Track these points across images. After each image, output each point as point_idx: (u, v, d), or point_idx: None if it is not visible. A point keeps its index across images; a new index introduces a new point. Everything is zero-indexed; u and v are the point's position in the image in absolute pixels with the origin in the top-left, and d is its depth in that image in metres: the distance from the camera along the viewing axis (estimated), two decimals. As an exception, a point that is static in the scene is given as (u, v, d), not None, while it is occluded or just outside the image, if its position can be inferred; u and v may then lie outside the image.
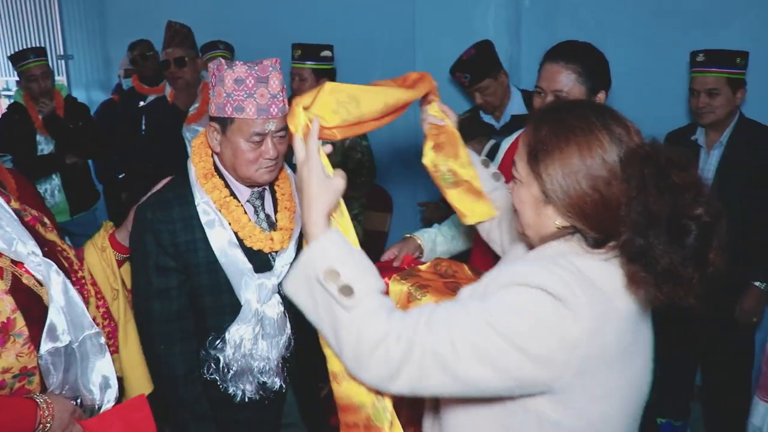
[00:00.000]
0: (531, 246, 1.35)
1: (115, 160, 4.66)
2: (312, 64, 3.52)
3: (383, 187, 4.36)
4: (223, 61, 1.71)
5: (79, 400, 1.63)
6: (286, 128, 1.75)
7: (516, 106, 3.29)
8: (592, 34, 3.41)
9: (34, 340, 1.51)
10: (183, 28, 3.52)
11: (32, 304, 1.54)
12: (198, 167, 1.83)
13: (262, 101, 1.68)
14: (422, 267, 1.93)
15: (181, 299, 1.79)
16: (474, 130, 3.16)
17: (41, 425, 1.51)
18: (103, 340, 1.67)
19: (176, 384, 1.80)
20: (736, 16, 3.31)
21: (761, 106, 3.18)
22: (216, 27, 4.83)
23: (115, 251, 1.91)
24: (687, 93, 3.11)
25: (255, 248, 1.81)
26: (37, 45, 6.32)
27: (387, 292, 1.63)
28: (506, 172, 2.32)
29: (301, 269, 1.21)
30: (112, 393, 1.68)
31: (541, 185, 1.23)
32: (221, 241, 1.78)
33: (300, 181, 1.26)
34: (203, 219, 1.78)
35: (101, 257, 1.88)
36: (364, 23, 4.40)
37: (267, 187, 1.92)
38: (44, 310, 1.55)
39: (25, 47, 4.40)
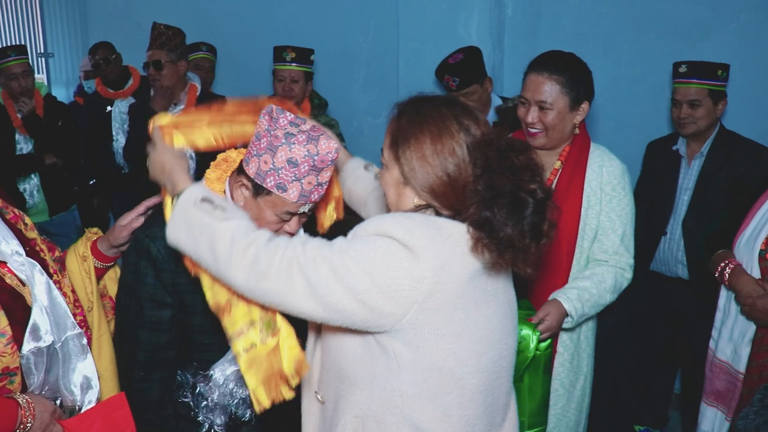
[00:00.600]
0: None
1: (82, 164, 4.60)
2: (305, 67, 3.54)
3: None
4: (276, 114, 1.57)
5: (59, 401, 1.62)
6: (315, 207, 1.72)
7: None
8: (573, 44, 3.45)
9: (17, 341, 1.49)
10: (167, 30, 3.49)
11: (15, 304, 1.53)
12: None
13: (307, 187, 1.58)
14: None
15: (171, 332, 1.76)
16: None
17: (21, 425, 1.49)
18: (85, 341, 1.65)
19: (148, 408, 1.78)
20: (716, 29, 3.36)
21: (740, 116, 3.22)
22: (199, 28, 4.80)
23: (96, 260, 1.87)
24: (668, 103, 3.14)
25: None
26: (17, 42, 6.24)
27: None
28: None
29: (179, 209, 1.42)
30: (94, 394, 1.66)
31: (401, 169, 1.41)
32: None
33: (158, 161, 1.53)
34: None
35: (81, 266, 1.84)
36: (348, 28, 4.42)
37: None
38: (27, 310, 1.54)
39: (4, 45, 4.33)
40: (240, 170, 1.66)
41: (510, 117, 2.53)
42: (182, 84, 3.55)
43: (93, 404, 1.66)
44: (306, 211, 1.65)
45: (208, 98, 3.65)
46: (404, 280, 1.30)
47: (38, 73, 6.87)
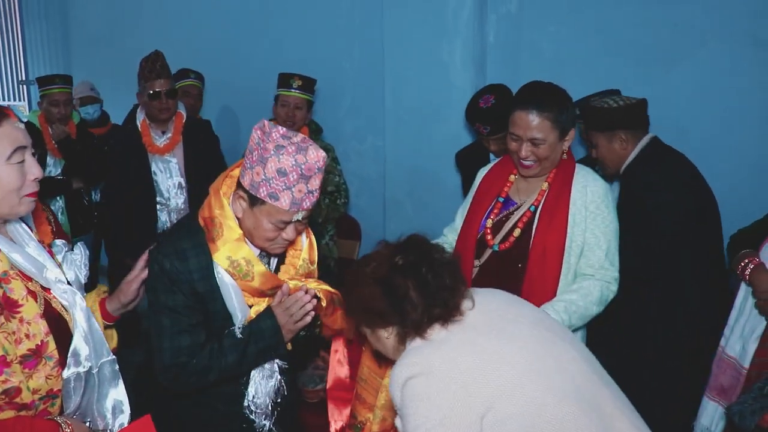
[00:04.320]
0: None
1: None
2: (308, 96, 3.66)
3: (352, 216, 4.42)
4: (269, 128, 1.70)
5: (88, 424, 1.66)
6: (309, 215, 1.80)
7: None
8: (553, 69, 3.59)
9: (61, 364, 1.55)
10: (164, 60, 3.56)
11: (59, 329, 1.58)
12: None
13: (298, 195, 1.69)
14: None
15: (207, 332, 1.83)
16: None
17: None
18: (117, 366, 1.71)
19: (205, 370, 1.82)
20: (686, 55, 3.51)
21: (710, 143, 3.35)
22: (184, 54, 4.87)
23: (102, 319, 1.88)
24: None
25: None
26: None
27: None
28: (479, 199, 2.43)
29: None
30: (125, 418, 1.72)
31: (363, 328, 1.72)
32: (231, 293, 1.82)
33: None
34: (217, 271, 1.80)
35: None
36: (333, 54, 4.51)
37: None
38: (69, 335, 1.60)
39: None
40: (238, 184, 1.77)
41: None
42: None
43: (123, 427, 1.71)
44: (300, 219, 1.74)
45: (195, 125, 3.71)
46: (452, 400, 1.43)
47: (20, 101, 6.87)
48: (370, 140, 4.49)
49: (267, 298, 1.87)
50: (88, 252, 1.87)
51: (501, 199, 2.41)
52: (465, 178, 3.72)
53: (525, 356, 1.49)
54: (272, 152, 1.65)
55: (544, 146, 2.22)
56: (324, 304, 1.89)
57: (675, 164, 2.81)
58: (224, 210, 1.79)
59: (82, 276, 1.83)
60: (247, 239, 1.81)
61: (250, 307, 1.85)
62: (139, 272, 1.89)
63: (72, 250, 1.84)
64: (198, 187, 1.64)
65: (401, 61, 4.02)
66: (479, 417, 1.42)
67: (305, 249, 1.93)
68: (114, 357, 1.70)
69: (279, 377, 1.95)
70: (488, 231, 2.37)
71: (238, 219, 1.80)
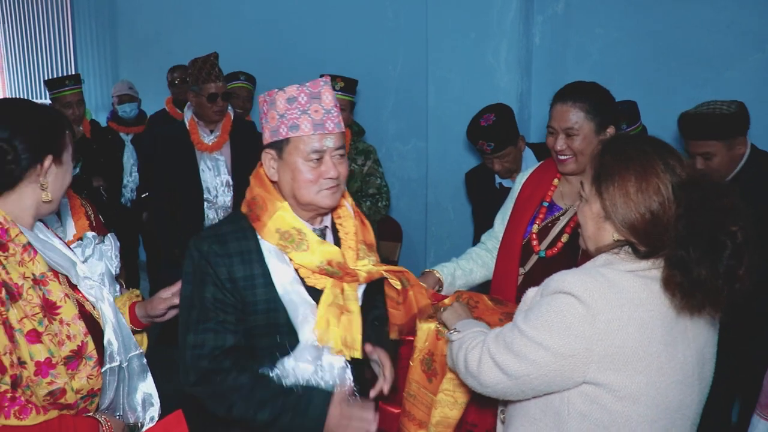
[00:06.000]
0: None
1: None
2: (351, 97, 3.65)
3: (393, 218, 4.42)
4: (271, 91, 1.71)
5: (119, 417, 1.68)
6: (344, 147, 1.71)
7: (531, 162, 3.20)
8: (599, 72, 3.52)
9: (100, 363, 1.57)
10: (218, 63, 3.60)
11: (94, 328, 1.60)
12: None
13: (316, 117, 1.63)
14: (445, 301, 2.10)
15: (237, 335, 1.67)
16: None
17: None
18: (145, 360, 1.73)
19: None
20: (739, 58, 3.41)
21: (762, 143, 3.26)
22: (229, 57, 4.92)
23: (131, 323, 1.84)
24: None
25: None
26: (50, 68, 6.43)
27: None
28: (522, 205, 2.40)
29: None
30: (155, 410, 1.73)
31: (602, 203, 1.46)
32: (284, 277, 1.69)
33: (456, 311, 1.89)
34: (266, 254, 1.69)
35: None
36: (378, 56, 4.52)
37: (329, 226, 1.82)
38: (101, 333, 1.62)
39: (36, 71, 4.49)
40: (264, 147, 1.73)
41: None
42: None
43: (154, 420, 1.72)
44: (331, 146, 1.66)
45: (241, 125, 3.75)
46: (577, 344, 1.37)
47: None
48: (413, 142, 4.48)
49: (331, 279, 1.70)
50: (118, 243, 1.84)
51: (546, 204, 2.36)
52: (473, 199, 3.69)
53: (668, 384, 1.41)
54: (276, 92, 1.66)
55: (578, 138, 2.17)
56: (399, 287, 1.85)
57: None
58: (265, 185, 1.75)
59: (113, 267, 1.82)
60: (293, 211, 1.72)
61: (310, 290, 1.70)
62: (172, 295, 1.84)
63: (103, 241, 1.85)
64: (244, 186, 1.67)
65: (445, 63, 3.99)
66: (579, 381, 1.39)
67: (358, 231, 1.83)
68: (142, 351, 1.72)
69: (352, 384, 1.75)
70: (534, 237, 2.32)
71: (276, 185, 1.74)
